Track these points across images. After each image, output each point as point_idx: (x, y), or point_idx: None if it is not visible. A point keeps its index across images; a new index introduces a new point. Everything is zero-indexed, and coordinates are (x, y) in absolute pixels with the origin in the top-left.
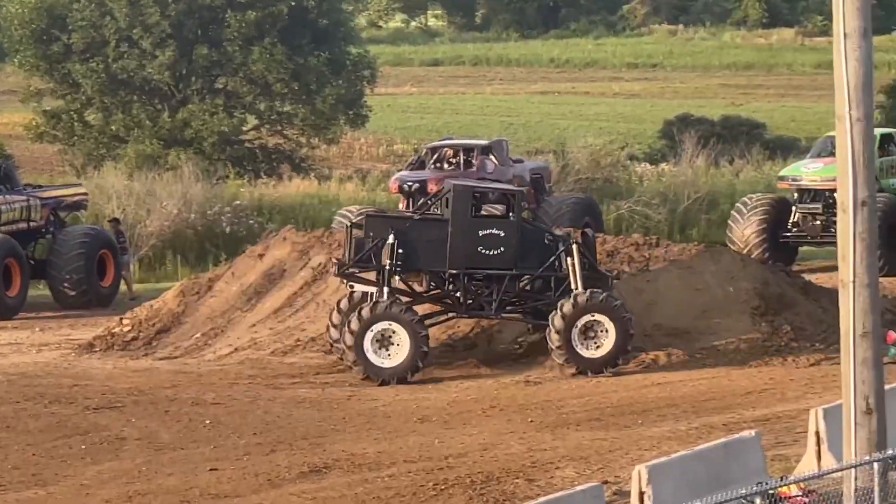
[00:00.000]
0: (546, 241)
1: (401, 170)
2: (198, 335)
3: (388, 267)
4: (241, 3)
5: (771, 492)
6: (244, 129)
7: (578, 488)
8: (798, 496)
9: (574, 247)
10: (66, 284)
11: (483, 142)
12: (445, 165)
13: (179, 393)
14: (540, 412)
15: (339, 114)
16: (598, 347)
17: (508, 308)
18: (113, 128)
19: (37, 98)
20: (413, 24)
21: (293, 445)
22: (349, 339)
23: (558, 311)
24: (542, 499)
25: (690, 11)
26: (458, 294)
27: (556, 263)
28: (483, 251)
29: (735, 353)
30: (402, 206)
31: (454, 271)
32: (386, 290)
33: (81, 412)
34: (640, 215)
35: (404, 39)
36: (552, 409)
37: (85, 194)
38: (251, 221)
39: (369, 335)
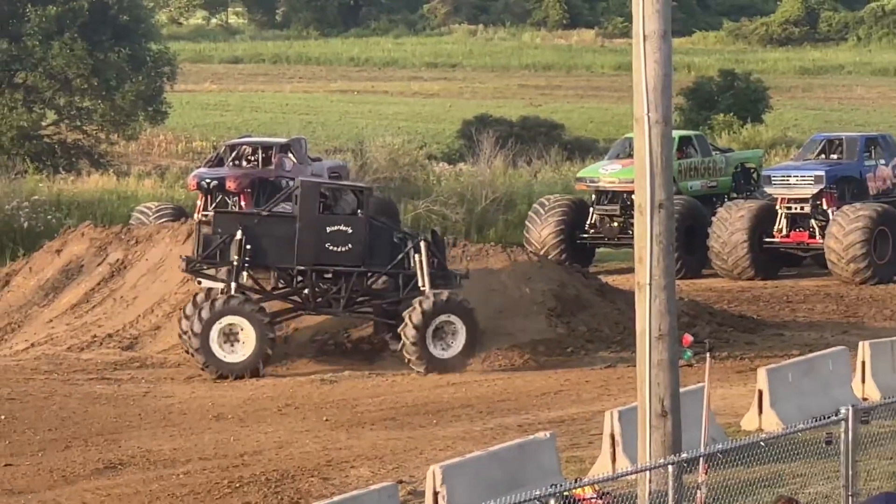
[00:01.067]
0: (395, 240)
1: (199, 167)
2: None
3: (235, 263)
4: None
5: (566, 493)
6: (43, 123)
7: (373, 487)
8: (592, 498)
9: (422, 245)
10: None
11: (282, 140)
12: (244, 163)
13: None
14: (335, 411)
15: (139, 110)
16: (447, 347)
17: (356, 306)
18: None
19: None
20: (213, 21)
21: (88, 441)
22: (196, 329)
23: (418, 307)
24: (336, 497)
25: (491, 11)
26: (306, 291)
27: (405, 262)
28: (331, 248)
29: (531, 354)
30: (199, 202)
31: (302, 268)
32: (234, 285)
33: None
34: (437, 215)
35: (205, 36)
36: (347, 407)
37: None
38: (49, 217)
39: (216, 328)
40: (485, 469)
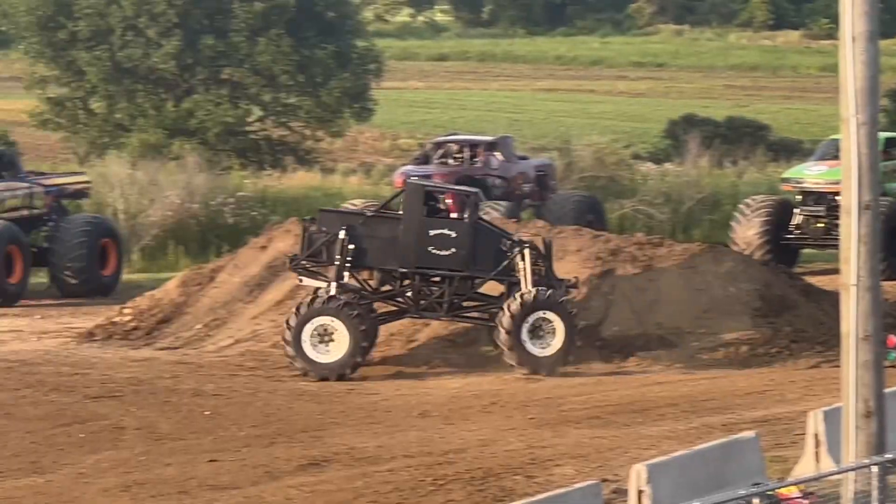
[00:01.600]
0: (501, 245)
1: (405, 164)
2: (199, 326)
3: (338, 263)
4: None
5: (769, 493)
6: (249, 120)
7: (577, 486)
8: (797, 497)
9: (526, 251)
10: (67, 272)
11: (488, 138)
12: (450, 161)
13: (179, 384)
14: (540, 409)
15: (345, 107)
16: (545, 346)
17: (460, 310)
18: (117, 116)
19: (41, 85)
20: (420, 18)
21: (292, 438)
22: (288, 334)
23: (506, 310)
24: (540, 496)
25: (697, 12)
26: (409, 293)
27: (512, 268)
28: (434, 251)
29: (735, 353)
30: None
31: (404, 270)
32: (334, 285)
33: (81, 401)
34: (643, 214)
35: (411, 34)
36: (552, 406)
37: (88, 183)
38: (254, 213)
39: (308, 329)
40: (689, 468)
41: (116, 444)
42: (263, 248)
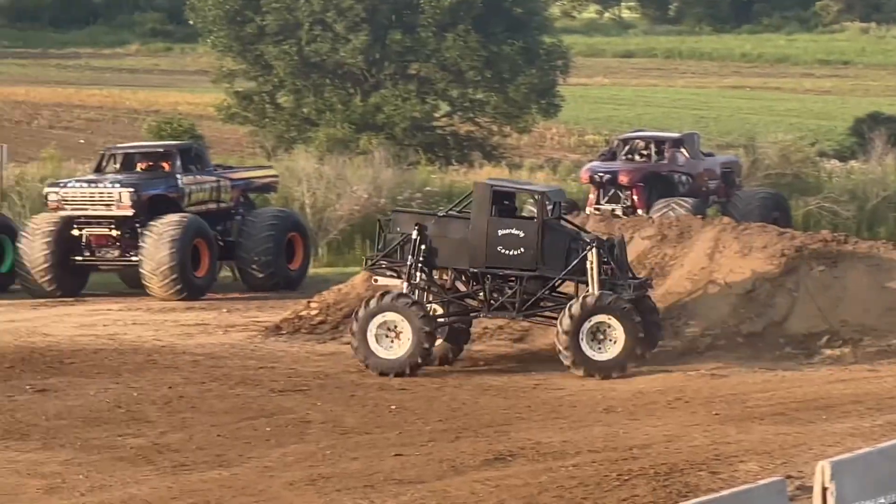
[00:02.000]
0: (573, 244)
1: (592, 160)
2: None
3: (409, 263)
4: None
5: None
6: (436, 115)
7: (762, 482)
8: None
9: (594, 250)
10: (254, 266)
11: (675, 134)
12: (637, 157)
13: (365, 378)
14: (725, 405)
15: (532, 103)
16: (604, 350)
17: (531, 309)
18: (304, 111)
19: (229, 79)
20: (606, 15)
21: (478, 433)
22: (355, 325)
23: (566, 311)
24: (725, 492)
25: (883, 10)
26: (480, 293)
27: (582, 267)
28: (502, 251)
29: None
30: (592, 196)
31: (475, 270)
32: (406, 285)
33: (267, 394)
34: (828, 212)
35: (597, 30)
36: (737, 402)
37: (275, 176)
38: (442, 207)
39: (375, 323)
40: (874, 465)
41: (302, 437)
42: None
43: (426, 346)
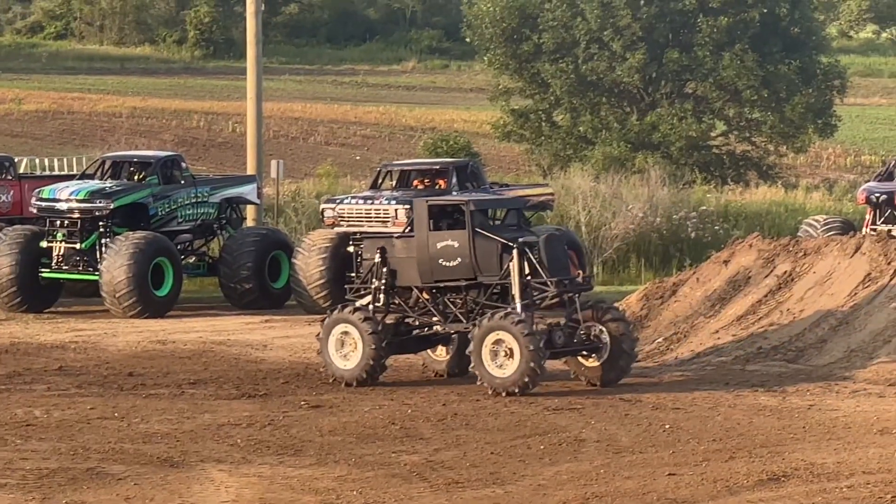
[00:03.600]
0: (504, 251)
1: (868, 181)
2: (660, 339)
3: (375, 285)
4: (714, 8)
5: None
6: (712, 134)
7: None
8: None
9: (514, 253)
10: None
11: None
12: None
13: (640, 396)
14: None
15: (808, 122)
16: (505, 367)
17: (479, 318)
18: (580, 129)
19: (505, 97)
20: (884, 34)
21: (752, 453)
22: (321, 333)
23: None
24: None
25: None
26: (436, 307)
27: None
28: (443, 263)
29: None
30: (868, 216)
31: (425, 285)
32: (371, 306)
33: (541, 412)
34: None
35: (875, 50)
36: None
37: (551, 195)
38: (716, 227)
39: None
40: None
41: (576, 456)
42: (726, 262)
43: (372, 361)
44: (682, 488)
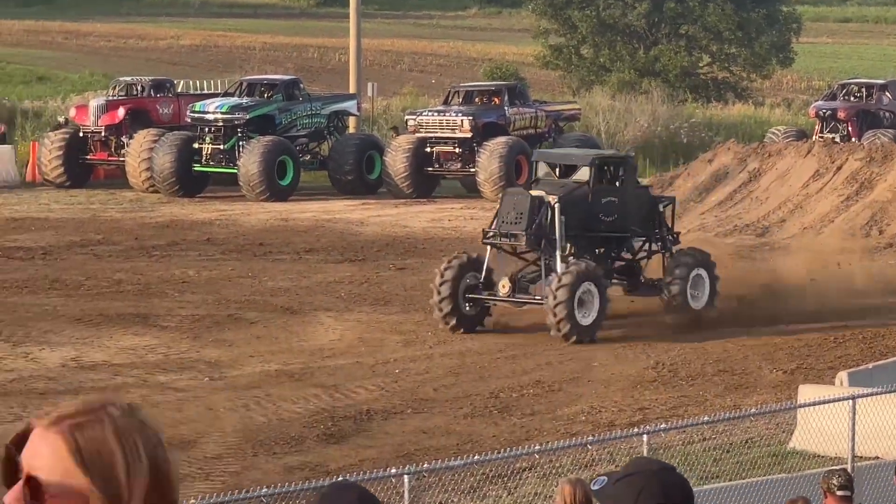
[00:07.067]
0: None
1: (817, 100)
2: None
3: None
4: None
5: None
6: (700, 65)
7: None
8: None
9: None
10: None
11: (880, 81)
12: (852, 98)
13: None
14: None
15: (772, 56)
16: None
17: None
18: (601, 60)
19: (544, 35)
20: None
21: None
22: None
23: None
24: None
25: None
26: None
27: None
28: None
29: None
30: (817, 127)
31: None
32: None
33: None
34: None
35: (822, 1)
36: None
37: (578, 110)
38: (703, 135)
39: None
40: None
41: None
42: (710, 161)
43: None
44: None
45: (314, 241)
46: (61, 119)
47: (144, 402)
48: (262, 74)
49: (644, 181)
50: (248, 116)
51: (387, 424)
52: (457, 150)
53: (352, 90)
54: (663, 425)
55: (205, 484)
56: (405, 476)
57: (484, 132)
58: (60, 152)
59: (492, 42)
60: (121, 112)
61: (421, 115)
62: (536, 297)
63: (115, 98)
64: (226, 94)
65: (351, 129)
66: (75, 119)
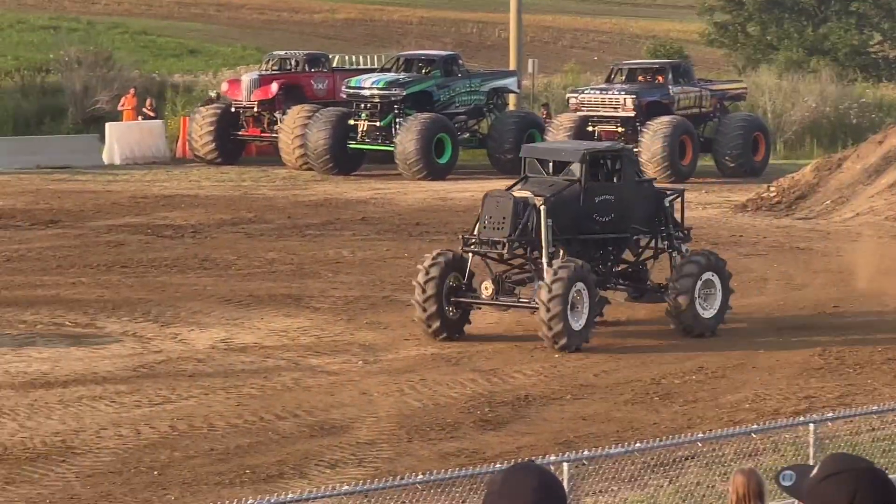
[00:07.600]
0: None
1: None
2: (828, 202)
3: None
4: None
5: None
6: (871, 43)
7: None
8: None
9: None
10: (727, 157)
11: None
12: None
13: (812, 244)
14: None
15: None
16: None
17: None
18: (768, 38)
19: (709, 12)
20: None
21: None
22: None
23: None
24: None
25: None
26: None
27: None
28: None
29: None
30: None
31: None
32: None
33: (735, 257)
34: None
35: None
36: None
37: (744, 89)
38: (873, 115)
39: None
40: None
41: (762, 292)
42: (880, 142)
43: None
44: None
45: (472, 221)
46: (213, 94)
47: (296, 385)
48: (419, 49)
49: (813, 162)
50: (405, 93)
51: (545, 410)
52: (619, 129)
53: (511, 67)
54: (830, 414)
55: (357, 470)
56: (564, 464)
57: (647, 111)
58: (212, 128)
59: (656, 19)
60: (274, 87)
61: (583, 92)
62: (522, 300)
63: (268, 73)
64: (382, 70)
65: (511, 107)
66: (227, 94)
